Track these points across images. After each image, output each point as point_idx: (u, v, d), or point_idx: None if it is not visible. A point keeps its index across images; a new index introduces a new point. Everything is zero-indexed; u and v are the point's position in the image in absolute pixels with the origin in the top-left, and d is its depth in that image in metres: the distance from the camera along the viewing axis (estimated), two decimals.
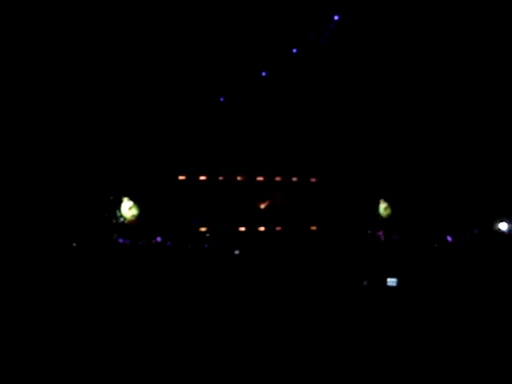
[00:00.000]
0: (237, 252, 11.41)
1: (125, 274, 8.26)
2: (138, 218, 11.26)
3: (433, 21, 11.08)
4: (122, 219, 11.03)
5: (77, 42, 9.86)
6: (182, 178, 12.49)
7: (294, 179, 13.42)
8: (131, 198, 11.30)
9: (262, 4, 11.00)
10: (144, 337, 5.53)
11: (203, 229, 12.24)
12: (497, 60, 11.57)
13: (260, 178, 13.24)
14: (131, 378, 4.55)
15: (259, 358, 4.94)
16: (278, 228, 12.86)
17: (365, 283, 7.20)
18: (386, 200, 13.77)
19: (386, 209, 13.82)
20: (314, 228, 12.98)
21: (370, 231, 10.94)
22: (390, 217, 13.73)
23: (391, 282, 5.86)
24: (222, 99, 12.85)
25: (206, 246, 10.46)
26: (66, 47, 9.91)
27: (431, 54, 11.70)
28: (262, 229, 12.82)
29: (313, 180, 13.49)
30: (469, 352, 4.76)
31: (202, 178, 12.76)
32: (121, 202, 11.14)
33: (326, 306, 6.52)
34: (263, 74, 12.72)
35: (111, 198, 10.99)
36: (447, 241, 10.68)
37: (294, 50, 12.48)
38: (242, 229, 12.71)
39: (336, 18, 12.15)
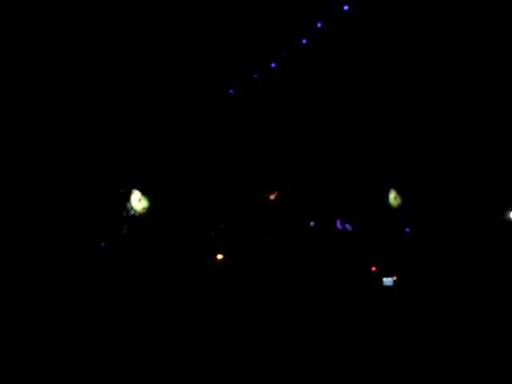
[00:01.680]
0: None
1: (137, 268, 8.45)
2: (149, 210, 11.45)
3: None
4: (132, 212, 11.22)
5: (81, 35, 10.00)
6: (191, 169, 12.60)
7: (303, 168, 13.42)
8: (141, 191, 11.48)
9: None
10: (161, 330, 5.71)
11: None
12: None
13: (268, 169, 13.27)
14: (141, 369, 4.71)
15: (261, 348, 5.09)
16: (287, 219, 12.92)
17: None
18: (396, 189, 13.68)
19: (395, 198, 13.74)
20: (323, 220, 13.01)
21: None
22: (400, 207, 13.66)
23: (387, 281, 5.93)
24: (231, 91, 12.91)
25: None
26: (69, 42, 10.05)
27: (442, 45, 11.58)
28: (270, 220, 12.89)
29: (320, 169, 13.47)
30: (466, 350, 4.83)
31: (211, 169, 12.86)
32: (131, 194, 11.32)
33: (327, 302, 6.62)
34: (272, 65, 12.74)
35: (121, 190, 11.18)
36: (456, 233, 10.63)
37: (304, 41, 12.45)
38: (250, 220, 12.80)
39: (346, 8, 12.07)
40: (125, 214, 11.07)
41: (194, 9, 11.43)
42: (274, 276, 8.38)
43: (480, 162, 12.61)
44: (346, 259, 8.43)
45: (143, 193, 11.59)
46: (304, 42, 12.46)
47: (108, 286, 7.56)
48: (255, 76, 12.84)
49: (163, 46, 11.55)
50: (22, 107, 10.44)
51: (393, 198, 13.66)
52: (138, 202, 11.42)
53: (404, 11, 11.29)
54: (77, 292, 7.23)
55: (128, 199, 11.32)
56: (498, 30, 10.85)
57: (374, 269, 7.24)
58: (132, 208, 11.24)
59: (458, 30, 11.10)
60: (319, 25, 12.09)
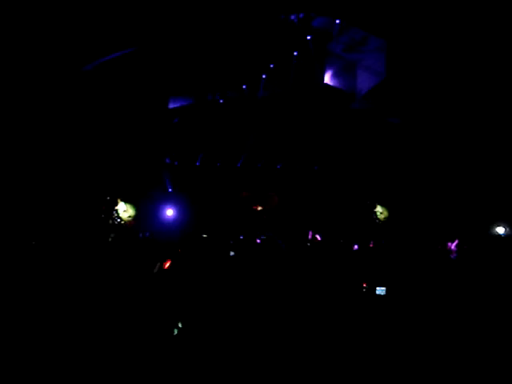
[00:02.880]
0: (232, 253, 11.43)
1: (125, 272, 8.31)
2: (135, 218, 11.36)
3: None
4: (118, 220, 11.11)
5: (75, 41, 9.91)
6: (178, 178, 12.57)
7: (291, 181, 13.46)
8: (127, 199, 11.39)
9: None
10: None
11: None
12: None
13: (256, 181, 13.29)
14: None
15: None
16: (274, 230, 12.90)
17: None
18: (382, 204, 13.78)
19: (382, 212, 13.82)
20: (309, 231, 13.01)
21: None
22: (387, 220, 13.74)
23: (380, 290, 5.92)
24: (221, 101, 12.94)
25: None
26: (64, 49, 9.97)
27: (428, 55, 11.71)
28: (257, 231, 12.86)
29: (309, 182, 13.52)
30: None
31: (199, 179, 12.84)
32: (117, 202, 11.23)
33: (321, 312, 6.55)
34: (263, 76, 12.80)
35: (108, 198, 11.08)
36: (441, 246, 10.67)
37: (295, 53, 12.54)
38: (238, 230, 12.75)
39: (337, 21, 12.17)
40: (111, 222, 10.96)
41: (190, 16, 11.43)
42: (263, 284, 8.27)
43: (464, 177, 12.75)
44: (337, 269, 8.38)
45: (129, 202, 11.50)
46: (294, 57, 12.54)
47: (95, 294, 7.40)
48: (244, 87, 12.89)
49: (154, 56, 11.52)
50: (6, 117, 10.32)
51: (379, 211, 13.76)
52: (123, 211, 11.32)
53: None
54: (64, 298, 7.06)
55: (114, 208, 11.22)
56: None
57: (364, 284, 7.23)
58: (118, 216, 11.14)
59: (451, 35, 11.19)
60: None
